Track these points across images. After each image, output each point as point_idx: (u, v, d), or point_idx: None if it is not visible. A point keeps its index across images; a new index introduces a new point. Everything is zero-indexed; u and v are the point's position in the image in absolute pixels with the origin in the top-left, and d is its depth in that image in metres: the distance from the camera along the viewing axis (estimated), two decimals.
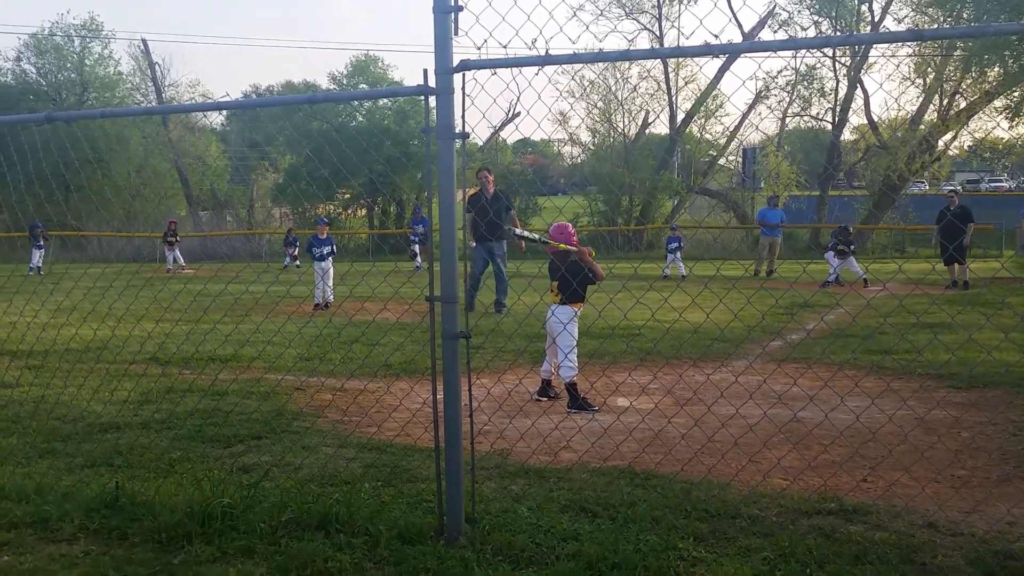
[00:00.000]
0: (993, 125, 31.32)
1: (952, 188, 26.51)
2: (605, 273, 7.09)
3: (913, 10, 32.31)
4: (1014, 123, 29.23)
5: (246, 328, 10.25)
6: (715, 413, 5.86)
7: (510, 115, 38.23)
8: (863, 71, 33.16)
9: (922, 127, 31.56)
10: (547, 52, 3.78)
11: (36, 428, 6.17)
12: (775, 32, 34.07)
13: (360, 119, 41.32)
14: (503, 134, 42.45)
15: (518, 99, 35.57)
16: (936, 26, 28.98)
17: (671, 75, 35.70)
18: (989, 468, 5.23)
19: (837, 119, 34.41)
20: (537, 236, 7.43)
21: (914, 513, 4.35)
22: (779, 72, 34.77)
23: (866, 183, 34.14)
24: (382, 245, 35.24)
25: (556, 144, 46.83)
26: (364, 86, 40.42)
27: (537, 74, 4.08)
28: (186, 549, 3.99)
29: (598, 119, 37.27)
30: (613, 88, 36.37)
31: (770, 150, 35.14)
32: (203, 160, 42.65)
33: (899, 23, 32.66)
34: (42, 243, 24.94)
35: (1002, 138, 35.34)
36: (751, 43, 4.37)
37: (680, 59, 33.48)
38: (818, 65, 34.27)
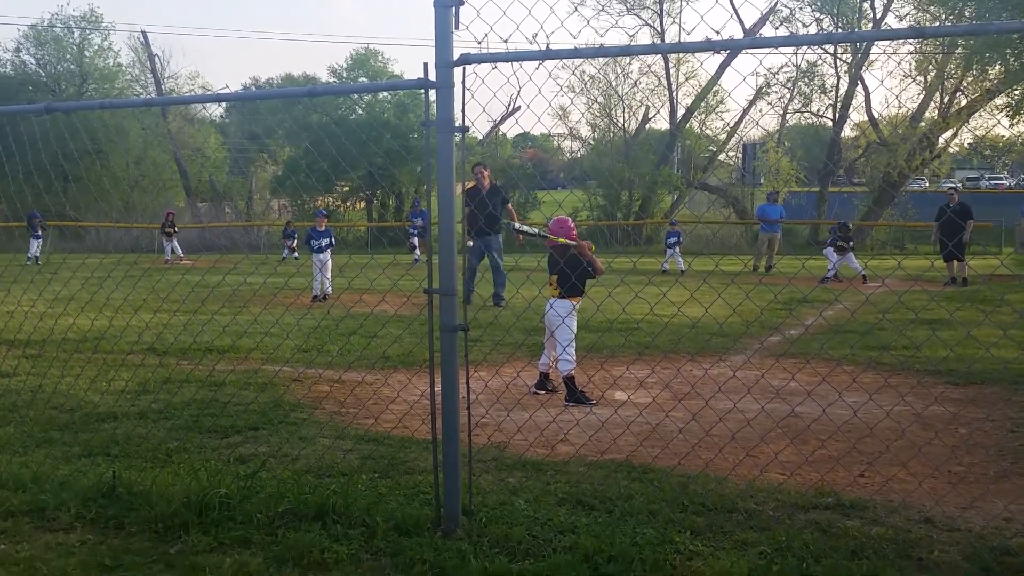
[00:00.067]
0: (994, 123, 31.31)
1: (952, 185, 26.47)
2: (604, 267, 7.09)
3: (915, 7, 32.28)
4: (1015, 121, 29.20)
5: (244, 319, 10.25)
6: (713, 407, 5.86)
7: (510, 109, 38.13)
8: (864, 68, 33.12)
9: (923, 124, 31.54)
10: (548, 47, 3.77)
11: (33, 417, 6.17)
12: (776, 28, 34.01)
13: (360, 112, 41.25)
14: (503, 128, 42.42)
15: (518, 93, 35.37)
16: (937, 23, 28.98)
17: (672, 70, 35.67)
18: (986, 464, 5.23)
19: (838, 116, 34.40)
20: (536, 230, 7.42)
21: (911, 508, 4.35)
22: (780, 68, 34.85)
23: (866, 180, 34.15)
24: (381, 238, 35.20)
25: (556, 139, 46.91)
26: (364, 79, 40.28)
27: (537, 68, 4.08)
28: (183, 539, 3.99)
29: (598, 114, 37.29)
30: (614, 83, 36.36)
31: (770, 146, 35.09)
32: (202, 152, 42.57)
33: (901, 20, 32.71)
34: (40, 233, 24.92)
35: (1002, 136, 35.38)
36: (752, 39, 4.37)
37: (681, 55, 33.52)
38: (819, 62, 34.32)
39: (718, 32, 3.66)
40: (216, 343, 8.94)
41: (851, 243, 18.31)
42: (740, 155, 37.56)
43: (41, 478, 4.72)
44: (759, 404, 5.88)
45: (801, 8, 34.30)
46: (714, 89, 35.67)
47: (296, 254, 26.36)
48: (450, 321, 4.02)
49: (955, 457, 5.28)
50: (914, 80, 31.68)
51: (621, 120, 37.26)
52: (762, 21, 33.68)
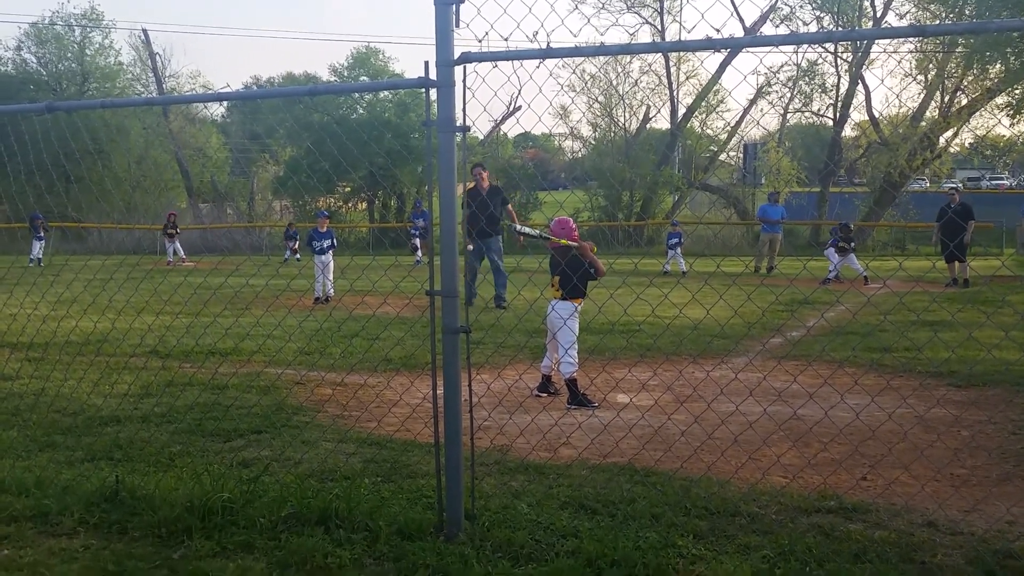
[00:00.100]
0: (994, 122, 31.29)
1: (953, 185, 26.44)
2: (605, 268, 7.09)
3: (915, 6, 32.24)
4: (1015, 120, 29.18)
5: (246, 322, 10.25)
6: (715, 410, 5.86)
7: (511, 109, 38.16)
8: (865, 67, 33.11)
9: (923, 124, 31.52)
10: (548, 45, 3.77)
11: (36, 421, 6.17)
12: (777, 27, 33.99)
13: (361, 112, 41.28)
14: (504, 128, 42.44)
15: (519, 93, 35.37)
16: (938, 22, 28.95)
17: (672, 70, 35.67)
18: (989, 467, 5.23)
19: (838, 115, 34.38)
20: (538, 232, 7.42)
21: (914, 512, 4.35)
22: (780, 67, 34.84)
23: (867, 180, 34.12)
24: (382, 239, 35.22)
25: (557, 138, 46.83)
26: (365, 78, 40.30)
27: (538, 67, 4.08)
28: (186, 544, 3.99)
29: (599, 113, 37.31)
30: (614, 82, 36.37)
31: (771, 146, 35.09)
32: (203, 152, 42.60)
33: (901, 19, 32.67)
34: (42, 234, 24.93)
35: (1003, 136, 35.36)
36: (752, 38, 4.36)
37: (681, 53, 33.55)
38: (819, 61, 34.33)
39: (718, 30, 3.66)
40: (219, 346, 8.94)
41: (852, 244, 18.30)
42: (741, 155, 37.55)
43: (44, 483, 4.72)
44: (761, 406, 5.88)
45: (801, 6, 34.45)
46: (715, 88, 35.70)
47: (298, 255, 26.36)
48: (452, 323, 4.03)
49: (957, 460, 5.28)
50: (915, 79, 31.69)
51: (622, 120, 37.32)
52: (762, 19, 33.68)
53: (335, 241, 15.36)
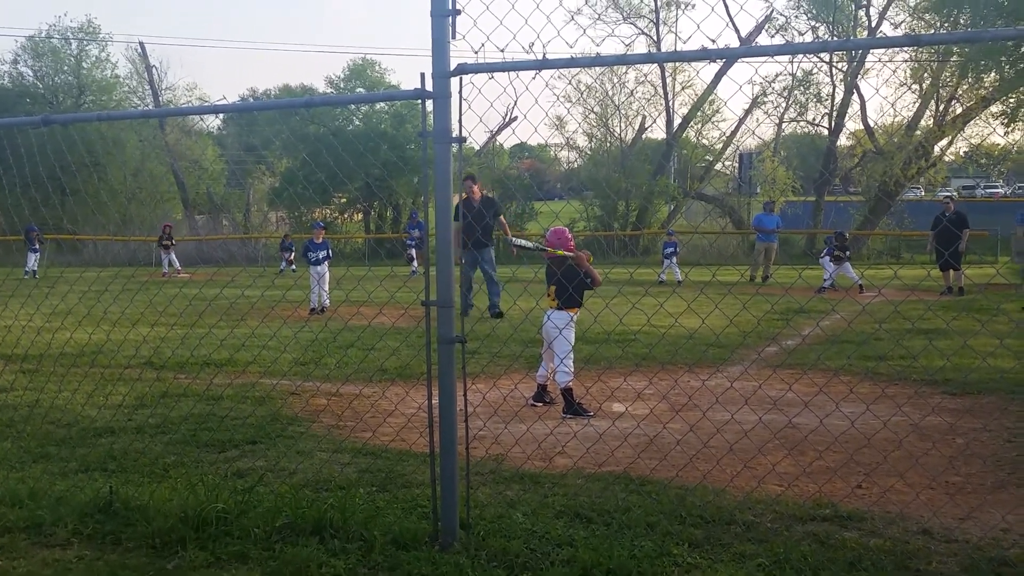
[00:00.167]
0: (989, 131, 31.43)
1: (948, 194, 26.53)
2: (601, 278, 7.09)
3: (910, 15, 32.43)
4: (1010, 129, 29.31)
5: (241, 332, 10.24)
6: (710, 419, 5.86)
7: (507, 119, 38.27)
8: (859, 76, 33.26)
9: (918, 133, 31.64)
10: (544, 56, 3.78)
11: (30, 432, 6.16)
12: (772, 37, 34.15)
13: (357, 123, 41.36)
14: (500, 138, 42.52)
15: (515, 103, 35.48)
16: (933, 31, 29.07)
17: (668, 80, 35.81)
18: (984, 475, 5.23)
19: (833, 124, 34.49)
20: (533, 244, 7.42)
21: (909, 519, 4.35)
22: (776, 77, 34.90)
23: (862, 189, 34.20)
24: (378, 249, 35.24)
25: (553, 149, 46.97)
26: (361, 90, 40.41)
27: (534, 78, 4.10)
28: (180, 554, 3.98)
29: (595, 124, 37.42)
30: (610, 93, 36.47)
31: (766, 155, 35.19)
32: (199, 164, 42.65)
33: (896, 28, 32.82)
34: (38, 246, 24.89)
35: (998, 144, 35.45)
36: (748, 48, 4.38)
37: (677, 64, 33.62)
38: (815, 70, 34.44)
39: (714, 41, 3.68)
40: (213, 356, 8.93)
41: (848, 252, 18.33)
42: (736, 165, 37.68)
43: (38, 493, 4.71)
44: (756, 415, 5.88)
45: (797, 17, 34.51)
46: (710, 98, 35.82)
47: (294, 266, 26.35)
48: (447, 333, 4.03)
49: (952, 468, 5.28)
50: (910, 88, 31.82)
51: (618, 130, 37.41)
52: (758, 30, 33.86)
53: (331, 252, 15.37)
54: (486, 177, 36.71)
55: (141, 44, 42.11)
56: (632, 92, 36.59)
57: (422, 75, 3.90)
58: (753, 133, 37.86)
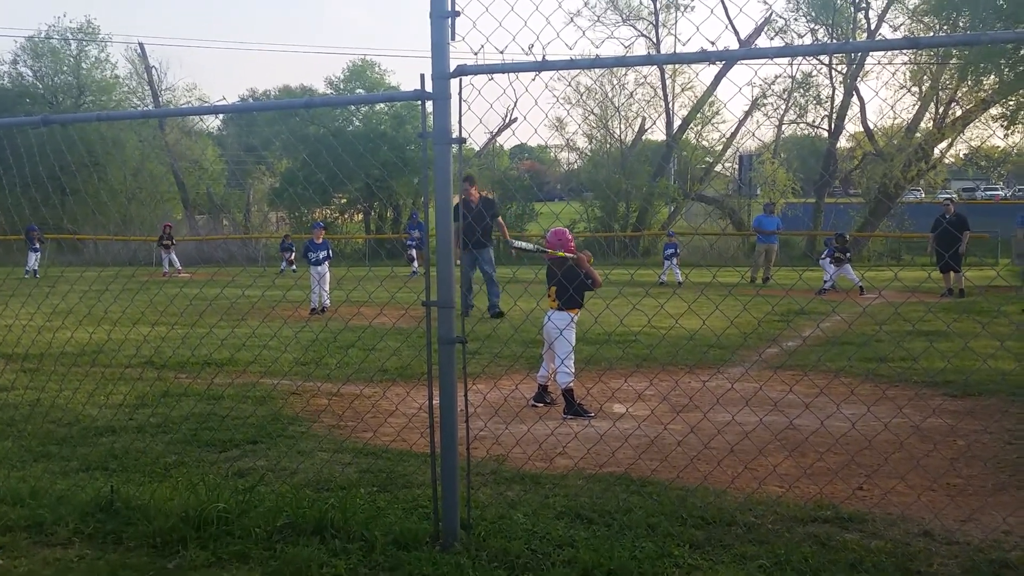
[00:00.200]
0: (989, 133, 31.43)
1: (948, 196, 26.53)
2: (602, 279, 7.10)
3: (909, 18, 32.45)
4: (1009, 131, 29.34)
5: (242, 332, 10.24)
6: (711, 420, 5.86)
7: (507, 120, 38.23)
8: (859, 79, 33.27)
9: (918, 135, 31.64)
10: (544, 58, 3.79)
11: (31, 432, 6.16)
12: (771, 39, 34.15)
13: (357, 124, 41.35)
14: (500, 139, 42.52)
15: (515, 104, 35.47)
16: (932, 34, 29.10)
17: (668, 81, 35.82)
18: (984, 477, 5.23)
19: (833, 126, 34.51)
20: (534, 247, 7.42)
21: (910, 521, 4.35)
22: (775, 79, 34.94)
23: (862, 191, 34.22)
24: (379, 250, 35.24)
25: (553, 150, 46.99)
26: (361, 91, 40.40)
27: (534, 80, 4.09)
28: (181, 554, 3.98)
29: (595, 125, 37.42)
30: (610, 94, 36.48)
31: (766, 157, 35.18)
32: (199, 164, 42.64)
33: (895, 31, 32.85)
34: (38, 246, 24.88)
35: (998, 146, 35.51)
36: (747, 50, 4.37)
37: (677, 65, 33.64)
38: (814, 72, 34.48)
39: (713, 43, 3.68)
40: (214, 356, 8.93)
41: (848, 254, 18.33)
42: (736, 166, 37.68)
43: (39, 492, 4.71)
44: (757, 416, 5.88)
45: (796, 19, 34.53)
46: (710, 100, 35.83)
47: (294, 267, 26.35)
48: (448, 333, 4.03)
49: (953, 469, 5.28)
50: (909, 91, 31.84)
51: (617, 131, 37.41)
52: (757, 32, 33.82)
53: (331, 252, 15.37)
54: (486, 178, 36.71)
55: (141, 44, 42.21)
56: (632, 94, 36.65)
57: (422, 76, 3.91)
58: (753, 135, 37.94)
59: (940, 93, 30.87)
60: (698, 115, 36.19)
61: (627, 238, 33.67)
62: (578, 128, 38.41)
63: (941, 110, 31.44)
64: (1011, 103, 28.34)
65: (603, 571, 3.71)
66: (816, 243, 30.72)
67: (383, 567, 3.84)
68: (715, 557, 3.89)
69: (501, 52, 3.91)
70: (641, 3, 36.13)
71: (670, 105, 36.13)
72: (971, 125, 30.88)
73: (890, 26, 32.93)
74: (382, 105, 40.52)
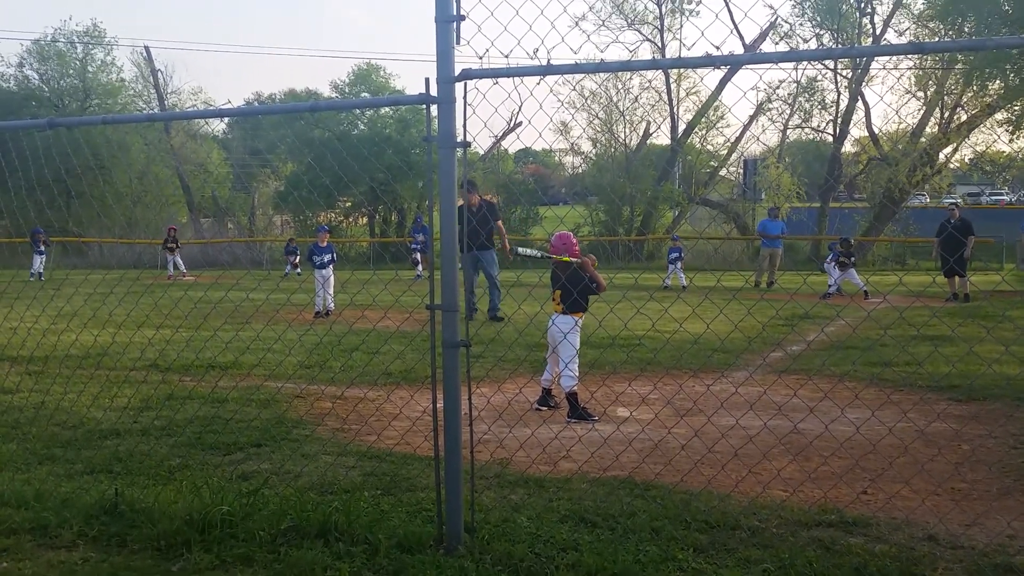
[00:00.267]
0: (994, 138, 31.37)
1: (953, 201, 26.55)
2: (606, 283, 7.10)
3: (914, 23, 32.42)
4: (1015, 136, 29.26)
5: (246, 335, 10.25)
6: (715, 424, 5.86)
7: (511, 125, 38.25)
8: (864, 83, 33.22)
9: (923, 140, 31.60)
10: (548, 62, 3.79)
11: (36, 434, 6.17)
12: (776, 44, 34.18)
13: (362, 127, 41.37)
14: (504, 143, 42.54)
15: (519, 109, 35.50)
16: (937, 39, 29.06)
17: (672, 86, 35.79)
18: (989, 481, 5.22)
19: (838, 131, 34.47)
20: (539, 253, 7.42)
21: (914, 526, 4.34)
22: (780, 84, 34.92)
23: (867, 195, 34.18)
24: (383, 253, 35.24)
25: (557, 154, 46.99)
26: (366, 94, 40.46)
27: (539, 84, 4.10)
28: (185, 557, 3.99)
29: (599, 129, 37.42)
30: (614, 99, 36.49)
31: (771, 162, 35.18)
32: (205, 167, 42.69)
33: (900, 36, 32.78)
34: (43, 249, 24.93)
35: (1003, 151, 35.38)
36: (752, 55, 4.37)
37: (682, 70, 33.60)
38: (819, 77, 34.43)
39: (718, 47, 3.68)
40: (219, 359, 8.94)
41: (853, 259, 18.31)
42: (741, 170, 37.64)
43: (43, 495, 4.72)
44: (761, 420, 5.88)
45: (801, 24, 34.49)
46: (715, 105, 35.81)
47: (299, 270, 26.38)
48: (452, 337, 4.03)
49: (958, 474, 5.27)
50: (914, 96, 31.77)
51: (622, 135, 37.42)
52: (762, 37, 33.86)
53: (335, 255, 15.38)
54: (491, 182, 36.73)
55: (147, 48, 42.23)
56: (636, 98, 36.63)
57: (427, 80, 3.92)
58: (757, 139, 37.94)
59: (945, 98, 30.83)
60: (703, 119, 36.19)
61: (631, 242, 33.66)
62: (582, 132, 38.43)
63: (946, 115, 31.39)
64: (1016, 108, 28.27)
65: (607, 575, 3.71)
66: (821, 248, 30.68)
67: (387, 570, 3.84)
68: (719, 561, 3.88)
69: (506, 56, 3.92)
70: (646, 8, 36.22)
71: (675, 109, 36.15)
72: (976, 130, 30.83)
73: (895, 31, 32.93)
74: (387, 109, 40.56)
